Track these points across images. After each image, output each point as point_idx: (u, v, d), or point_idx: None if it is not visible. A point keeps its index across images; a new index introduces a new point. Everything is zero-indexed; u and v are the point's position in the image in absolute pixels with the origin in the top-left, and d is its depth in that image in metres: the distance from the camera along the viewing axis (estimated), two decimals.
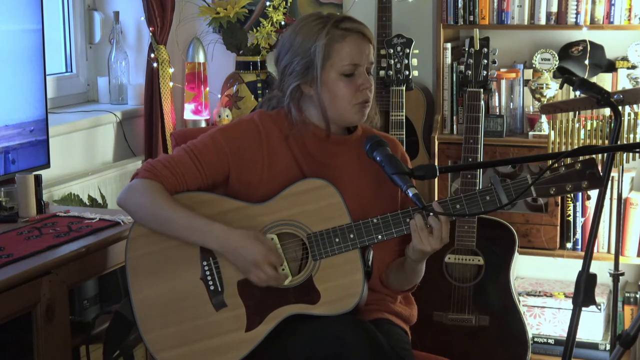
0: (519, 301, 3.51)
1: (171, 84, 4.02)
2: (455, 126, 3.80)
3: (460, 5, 3.70)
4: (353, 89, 2.26)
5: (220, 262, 2.21)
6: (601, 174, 2.15)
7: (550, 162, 2.17)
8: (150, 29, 3.94)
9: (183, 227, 2.18)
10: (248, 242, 2.15)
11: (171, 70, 4.01)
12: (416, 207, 2.14)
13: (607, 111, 3.42)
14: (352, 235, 2.19)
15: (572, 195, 3.64)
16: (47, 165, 3.15)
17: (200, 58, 4.03)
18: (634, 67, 3.58)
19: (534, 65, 3.67)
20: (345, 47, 2.25)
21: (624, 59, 3.63)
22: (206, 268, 2.21)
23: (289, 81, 2.30)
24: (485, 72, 3.46)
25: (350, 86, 2.26)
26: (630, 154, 3.27)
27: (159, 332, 2.22)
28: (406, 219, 2.19)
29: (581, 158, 2.23)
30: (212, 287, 2.21)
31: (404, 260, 2.30)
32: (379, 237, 2.19)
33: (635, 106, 3.34)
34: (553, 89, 3.63)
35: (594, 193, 3.62)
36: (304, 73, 2.27)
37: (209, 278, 2.21)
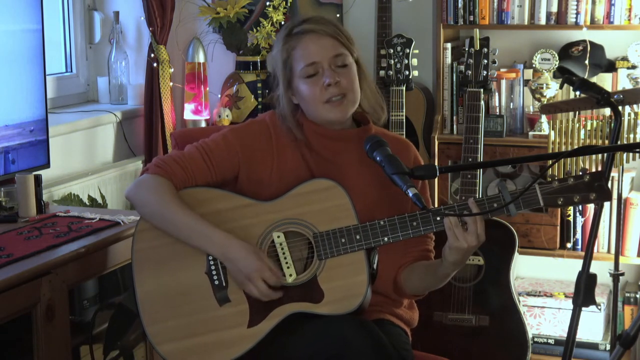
0: (519, 301, 3.51)
1: (171, 84, 4.02)
2: (455, 126, 3.80)
3: (460, 5, 3.70)
4: (318, 87, 2.27)
5: None
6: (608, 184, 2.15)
7: (550, 162, 2.18)
8: (150, 29, 3.94)
9: (185, 230, 2.19)
10: (246, 254, 2.16)
11: (171, 70, 4.01)
12: (421, 209, 2.14)
13: (607, 111, 3.42)
14: (358, 237, 2.19)
15: None
16: (47, 165, 3.15)
17: (200, 58, 4.03)
18: (634, 67, 3.58)
19: (534, 65, 3.67)
20: (299, 50, 2.29)
21: (624, 59, 3.63)
22: (211, 263, 2.22)
23: (276, 91, 2.37)
24: (485, 72, 3.46)
25: (315, 86, 2.28)
26: (630, 154, 3.27)
27: (161, 324, 2.22)
28: (413, 222, 2.19)
29: (585, 167, 2.23)
30: (216, 282, 2.21)
31: (436, 264, 2.29)
32: (385, 239, 2.19)
33: (635, 106, 3.34)
34: (553, 89, 3.63)
35: None
36: (279, 85, 2.35)
37: (213, 273, 2.21)
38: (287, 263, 2.20)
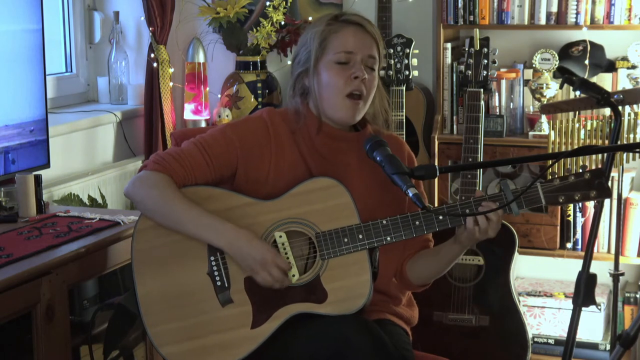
0: (519, 301, 3.51)
1: (171, 84, 4.02)
2: (455, 126, 3.80)
3: (460, 5, 3.70)
4: (344, 78, 2.27)
5: (227, 257, 2.21)
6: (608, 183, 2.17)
7: (550, 162, 2.18)
8: (150, 29, 3.94)
9: (190, 223, 2.18)
10: (257, 242, 2.15)
11: (171, 70, 4.01)
12: (422, 209, 2.14)
13: (607, 111, 3.42)
14: (360, 236, 2.19)
15: None
16: (47, 165, 3.15)
17: (200, 58, 4.03)
18: (634, 67, 3.58)
19: (534, 65, 3.67)
20: (341, 36, 2.29)
21: (624, 59, 3.63)
22: (213, 263, 2.21)
23: (295, 70, 2.35)
24: (485, 72, 3.46)
25: (342, 74, 2.27)
26: (630, 154, 3.28)
27: (163, 326, 2.21)
28: (415, 221, 2.19)
29: (585, 166, 2.24)
30: (218, 283, 2.21)
31: (439, 248, 2.31)
32: (388, 239, 2.19)
33: (635, 106, 3.34)
34: (553, 89, 3.63)
35: None
36: (306, 62, 2.32)
37: (215, 273, 2.21)
38: (289, 263, 2.19)
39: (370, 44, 2.30)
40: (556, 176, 2.19)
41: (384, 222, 2.19)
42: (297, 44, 2.38)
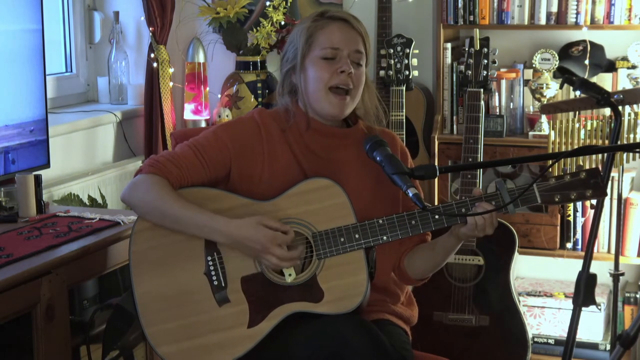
0: (519, 301, 3.51)
1: (171, 84, 4.02)
2: (455, 126, 3.80)
3: (460, 5, 3.70)
4: (330, 72, 2.28)
5: (224, 257, 2.22)
6: (603, 175, 2.17)
7: (550, 162, 2.19)
8: (150, 29, 3.94)
9: (188, 223, 2.19)
10: (252, 230, 2.15)
11: (171, 70, 4.01)
12: (422, 209, 2.14)
13: (607, 111, 3.42)
14: (357, 236, 2.20)
15: None
16: (47, 165, 3.15)
17: (200, 58, 4.03)
18: (634, 67, 3.58)
19: (534, 65, 3.67)
20: (327, 32, 2.30)
21: (624, 59, 3.63)
22: (210, 263, 2.22)
23: (283, 67, 2.37)
24: (485, 72, 3.46)
25: (328, 69, 2.28)
26: (630, 154, 3.28)
27: (160, 326, 2.22)
28: (411, 221, 2.19)
29: (585, 166, 2.24)
30: (215, 282, 2.21)
31: (436, 241, 2.32)
32: (384, 238, 2.20)
33: (635, 106, 3.34)
34: (553, 89, 3.63)
35: None
36: (293, 59, 2.33)
37: (212, 273, 2.21)
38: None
39: (357, 39, 2.31)
40: (552, 175, 2.20)
41: (380, 221, 2.20)
42: (287, 42, 2.39)
